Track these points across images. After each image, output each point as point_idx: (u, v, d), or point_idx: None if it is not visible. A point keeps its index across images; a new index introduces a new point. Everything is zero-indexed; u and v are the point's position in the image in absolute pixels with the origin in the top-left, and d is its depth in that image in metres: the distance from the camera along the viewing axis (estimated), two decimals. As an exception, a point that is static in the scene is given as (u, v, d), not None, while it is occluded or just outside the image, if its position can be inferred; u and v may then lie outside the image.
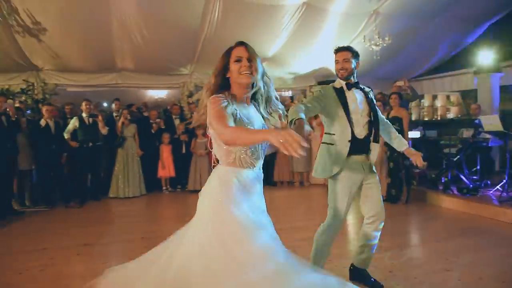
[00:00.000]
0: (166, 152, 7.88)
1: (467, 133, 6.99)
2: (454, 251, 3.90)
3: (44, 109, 6.59)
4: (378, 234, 3.03)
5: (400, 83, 7.20)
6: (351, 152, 2.82)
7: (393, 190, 6.21)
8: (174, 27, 6.64)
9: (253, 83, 1.96)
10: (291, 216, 5.74)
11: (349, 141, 2.80)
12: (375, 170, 3.05)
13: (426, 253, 4.01)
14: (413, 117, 11.75)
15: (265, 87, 2.04)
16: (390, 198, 6.20)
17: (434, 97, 11.90)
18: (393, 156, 6.13)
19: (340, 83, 2.92)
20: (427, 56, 9.71)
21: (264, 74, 2.02)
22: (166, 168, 7.89)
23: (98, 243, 4.53)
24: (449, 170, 6.35)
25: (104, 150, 7.37)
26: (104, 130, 6.99)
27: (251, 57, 1.91)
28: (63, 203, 6.68)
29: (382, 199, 3.03)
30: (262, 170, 2.06)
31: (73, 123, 6.76)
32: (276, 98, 2.14)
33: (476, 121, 6.50)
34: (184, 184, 7.95)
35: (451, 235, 4.60)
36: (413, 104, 11.90)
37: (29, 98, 7.53)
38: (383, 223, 3.01)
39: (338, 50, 2.93)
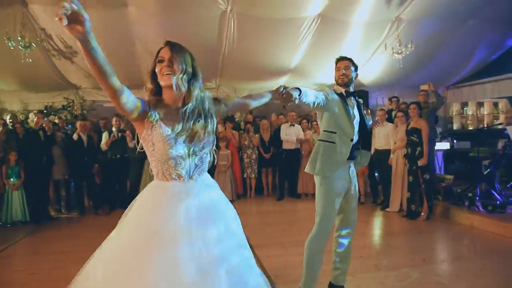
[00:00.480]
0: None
1: (501, 144, 6.50)
2: (467, 273, 3.66)
3: (78, 124, 7.18)
4: (349, 253, 3.04)
5: (424, 86, 6.86)
6: (349, 155, 2.89)
7: (413, 205, 5.91)
8: (193, 45, 6.86)
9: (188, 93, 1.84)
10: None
11: (351, 140, 2.89)
12: (356, 180, 3.08)
13: (433, 273, 3.78)
14: (455, 126, 11.10)
15: (201, 100, 1.89)
16: (409, 213, 5.91)
17: (479, 105, 11.14)
18: (412, 169, 5.85)
19: (339, 89, 3.02)
20: (462, 62, 9.12)
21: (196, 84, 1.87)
22: (190, 180, 8.15)
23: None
24: (477, 185, 5.91)
25: (131, 162, 7.82)
26: (131, 144, 7.44)
27: (173, 58, 1.79)
28: (93, 210, 7.20)
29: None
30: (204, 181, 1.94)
31: (105, 137, 7.28)
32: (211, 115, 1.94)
33: (506, 131, 6.01)
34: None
35: (469, 256, 4.32)
36: (454, 112, 11.25)
37: (68, 114, 8.24)
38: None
39: (340, 59, 3.07)
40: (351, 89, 3.05)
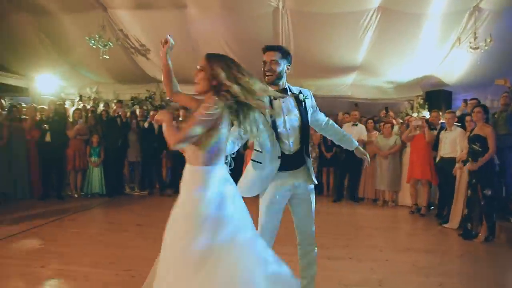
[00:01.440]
0: (250, 157, 8.38)
1: None
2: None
3: (150, 113, 8.04)
4: (311, 263, 2.70)
5: (500, 81, 5.81)
6: (280, 169, 2.51)
7: (469, 224, 5.11)
8: (250, 43, 7.09)
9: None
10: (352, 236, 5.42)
11: (278, 157, 2.49)
12: (310, 182, 2.64)
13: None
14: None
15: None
16: (465, 233, 5.13)
17: None
18: (471, 183, 5.06)
19: None
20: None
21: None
22: (249, 172, 8.40)
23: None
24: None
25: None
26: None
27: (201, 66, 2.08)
28: (160, 191, 7.98)
29: (312, 220, 2.69)
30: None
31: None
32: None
33: None
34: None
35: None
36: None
37: (149, 105, 9.24)
38: (315, 251, 2.70)
39: (265, 50, 2.56)
40: (282, 86, 2.55)
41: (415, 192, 6.79)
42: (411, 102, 8.88)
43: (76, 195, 7.35)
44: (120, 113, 7.58)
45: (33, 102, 9.02)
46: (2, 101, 7.27)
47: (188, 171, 2.08)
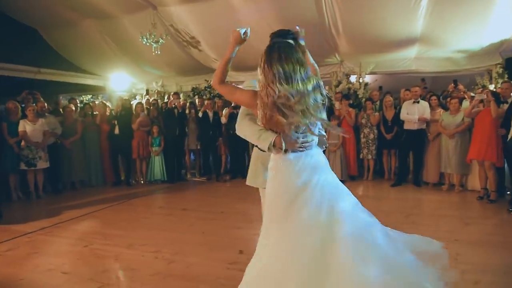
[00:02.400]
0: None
1: None
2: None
3: (205, 103, 8.34)
4: None
5: None
6: None
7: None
8: (296, 24, 6.83)
9: None
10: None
11: None
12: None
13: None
14: None
15: None
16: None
17: None
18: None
19: None
20: None
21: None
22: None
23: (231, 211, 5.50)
24: None
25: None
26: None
27: None
28: (216, 177, 8.30)
29: None
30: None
31: (224, 112, 8.19)
32: None
33: None
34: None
35: None
36: None
37: (208, 94, 9.58)
38: None
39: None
40: None
41: (484, 174, 5.94)
42: (489, 72, 7.70)
43: (142, 182, 8.08)
44: (176, 104, 8.01)
45: (110, 98, 10.08)
46: (77, 100, 8.20)
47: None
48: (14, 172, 6.61)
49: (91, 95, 10.10)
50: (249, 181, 2.75)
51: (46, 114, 7.18)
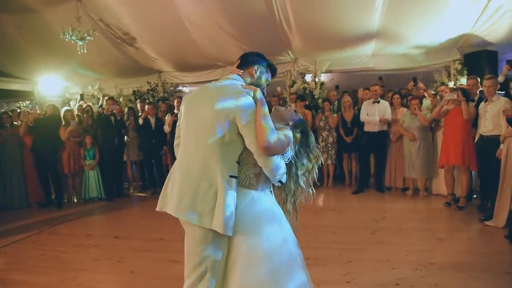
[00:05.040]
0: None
1: None
2: None
3: (146, 108, 7.39)
4: None
5: None
6: None
7: (518, 222, 3.88)
8: (244, 17, 6.17)
9: None
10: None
11: None
12: None
13: None
14: None
15: None
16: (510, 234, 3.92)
17: None
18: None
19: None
20: None
21: None
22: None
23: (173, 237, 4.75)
24: None
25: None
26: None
27: None
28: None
29: None
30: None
31: (167, 118, 7.29)
32: None
33: None
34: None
35: None
36: None
37: (151, 98, 8.62)
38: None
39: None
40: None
41: (451, 179, 5.53)
42: (447, 68, 7.40)
43: (75, 201, 7.02)
44: (113, 110, 7.00)
45: (39, 105, 8.79)
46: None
47: None
48: None
49: (17, 102, 8.76)
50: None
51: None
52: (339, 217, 5.26)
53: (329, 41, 6.90)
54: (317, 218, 5.30)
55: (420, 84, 6.87)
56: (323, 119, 7.16)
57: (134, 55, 7.84)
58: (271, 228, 1.89)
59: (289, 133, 1.93)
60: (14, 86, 9.09)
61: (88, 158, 6.95)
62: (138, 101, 8.26)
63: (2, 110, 7.54)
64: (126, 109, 7.64)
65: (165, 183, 2.05)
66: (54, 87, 9.41)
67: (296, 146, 2.04)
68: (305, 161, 2.06)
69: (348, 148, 7.15)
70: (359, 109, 6.86)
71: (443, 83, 7.07)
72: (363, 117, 6.62)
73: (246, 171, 1.94)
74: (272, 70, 2.17)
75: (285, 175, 1.95)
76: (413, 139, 6.08)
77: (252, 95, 1.89)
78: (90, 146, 6.94)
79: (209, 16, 6.27)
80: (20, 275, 3.69)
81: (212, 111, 1.86)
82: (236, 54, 7.71)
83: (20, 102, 9.44)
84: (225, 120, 1.83)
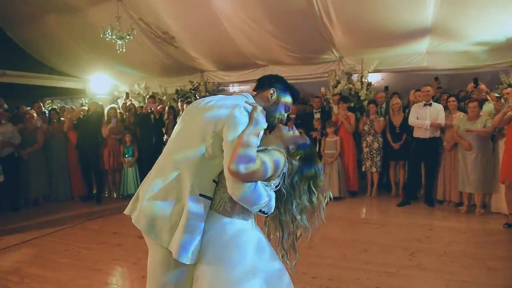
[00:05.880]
0: (299, 150, 7.16)
1: None
2: None
3: (185, 107, 7.36)
4: None
5: None
6: None
7: None
8: (282, 13, 5.83)
9: None
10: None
11: None
12: None
13: None
14: None
15: None
16: None
17: None
18: None
19: None
20: None
21: None
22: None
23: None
24: None
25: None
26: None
27: None
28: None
29: None
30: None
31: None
32: None
33: None
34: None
35: None
36: None
37: (193, 98, 8.59)
38: None
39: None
40: None
41: (513, 197, 4.75)
42: (515, 67, 6.44)
43: (114, 196, 7.19)
44: (152, 109, 7.06)
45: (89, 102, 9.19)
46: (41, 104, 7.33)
47: None
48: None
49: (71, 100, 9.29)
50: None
51: (3, 121, 6.34)
52: (376, 232, 4.73)
53: (376, 36, 6.30)
54: (350, 231, 4.83)
55: (482, 86, 6.04)
56: (368, 122, 6.61)
57: (174, 54, 7.87)
58: (242, 264, 1.57)
59: (280, 158, 1.62)
60: (67, 84, 9.64)
61: (127, 155, 7.06)
62: (180, 100, 8.29)
63: (54, 107, 7.92)
64: (166, 108, 7.68)
65: (140, 185, 1.84)
66: (104, 85, 9.82)
67: (296, 176, 1.71)
68: (304, 197, 1.72)
69: (395, 155, 6.51)
70: (408, 113, 6.21)
71: (510, 85, 6.16)
72: (411, 120, 5.98)
73: (222, 194, 1.67)
74: (294, 94, 1.94)
75: (271, 206, 1.64)
76: (469, 149, 5.34)
77: (250, 111, 1.64)
78: (130, 144, 7.05)
79: (244, 12, 6.02)
80: (38, 269, 3.76)
81: (201, 120, 1.67)
82: (276, 52, 7.39)
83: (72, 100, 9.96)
84: (212, 132, 1.62)
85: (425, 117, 5.87)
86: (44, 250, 4.36)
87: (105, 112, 7.26)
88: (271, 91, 1.85)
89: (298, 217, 1.73)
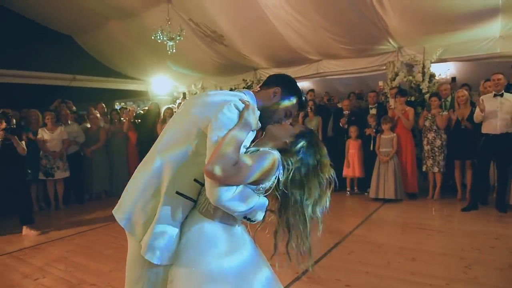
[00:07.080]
0: (352, 149, 6.76)
1: None
2: None
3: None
4: None
5: None
6: None
7: None
8: (332, 3, 5.54)
9: None
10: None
11: None
12: None
13: None
14: None
15: None
16: None
17: None
18: None
19: None
20: None
21: None
22: (351, 167, 6.78)
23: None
24: None
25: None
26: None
27: None
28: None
29: None
30: None
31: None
32: None
33: None
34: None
35: None
36: None
37: (246, 96, 8.61)
38: None
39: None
40: None
41: None
42: None
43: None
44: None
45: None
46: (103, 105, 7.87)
47: None
48: (36, 182, 6.44)
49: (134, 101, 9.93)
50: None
51: (70, 121, 6.93)
52: (431, 239, 4.23)
53: (437, 20, 5.65)
54: (400, 237, 4.39)
55: None
56: (430, 117, 6.00)
57: (226, 53, 7.94)
58: (216, 270, 1.43)
59: (268, 159, 1.44)
60: (132, 86, 10.30)
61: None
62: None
63: (115, 108, 8.49)
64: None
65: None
66: (165, 86, 10.31)
67: (302, 169, 1.51)
68: (315, 190, 1.52)
69: (461, 154, 5.81)
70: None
71: None
72: (479, 114, 5.28)
73: (206, 195, 1.55)
74: (300, 100, 1.75)
75: (257, 214, 1.48)
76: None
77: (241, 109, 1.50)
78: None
79: (290, 5, 5.82)
80: (83, 259, 3.99)
81: (190, 115, 1.57)
82: (327, 45, 7.10)
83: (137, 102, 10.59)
84: (197, 128, 1.51)
85: (496, 109, 5.14)
86: (93, 241, 4.64)
87: (162, 111, 7.61)
88: (276, 90, 1.68)
89: (313, 209, 1.54)
